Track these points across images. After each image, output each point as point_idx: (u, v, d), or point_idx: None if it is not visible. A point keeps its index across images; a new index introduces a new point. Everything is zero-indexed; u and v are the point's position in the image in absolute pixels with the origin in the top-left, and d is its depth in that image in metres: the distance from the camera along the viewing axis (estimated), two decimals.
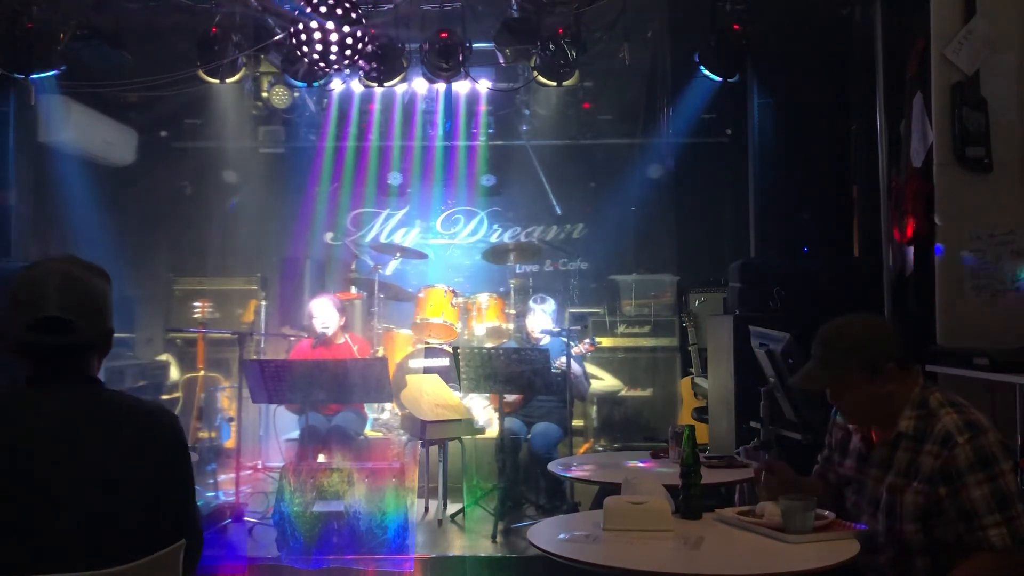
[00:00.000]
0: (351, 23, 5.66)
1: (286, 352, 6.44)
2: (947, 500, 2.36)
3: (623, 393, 7.27)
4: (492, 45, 6.37)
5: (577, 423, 6.66)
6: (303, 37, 5.67)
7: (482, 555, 4.76)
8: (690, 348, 6.87)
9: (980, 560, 2.32)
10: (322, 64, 5.78)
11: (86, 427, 1.88)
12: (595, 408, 7.16)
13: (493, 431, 5.84)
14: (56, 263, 1.98)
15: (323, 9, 5.62)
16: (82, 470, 1.83)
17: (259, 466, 6.35)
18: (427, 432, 5.41)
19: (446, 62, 6.22)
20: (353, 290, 7.40)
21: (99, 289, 1.99)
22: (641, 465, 3.69)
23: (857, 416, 2.61)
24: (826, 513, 2.48)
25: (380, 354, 6.50)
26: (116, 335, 2.07)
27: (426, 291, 6.86)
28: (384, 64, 6.32)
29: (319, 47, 5.65)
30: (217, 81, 6.38)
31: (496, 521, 5.05)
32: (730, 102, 7.15)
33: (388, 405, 6.33)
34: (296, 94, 7.58)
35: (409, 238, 8.40)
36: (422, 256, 7.58)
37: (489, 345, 6.46)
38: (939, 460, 2.37)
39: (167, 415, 2.02)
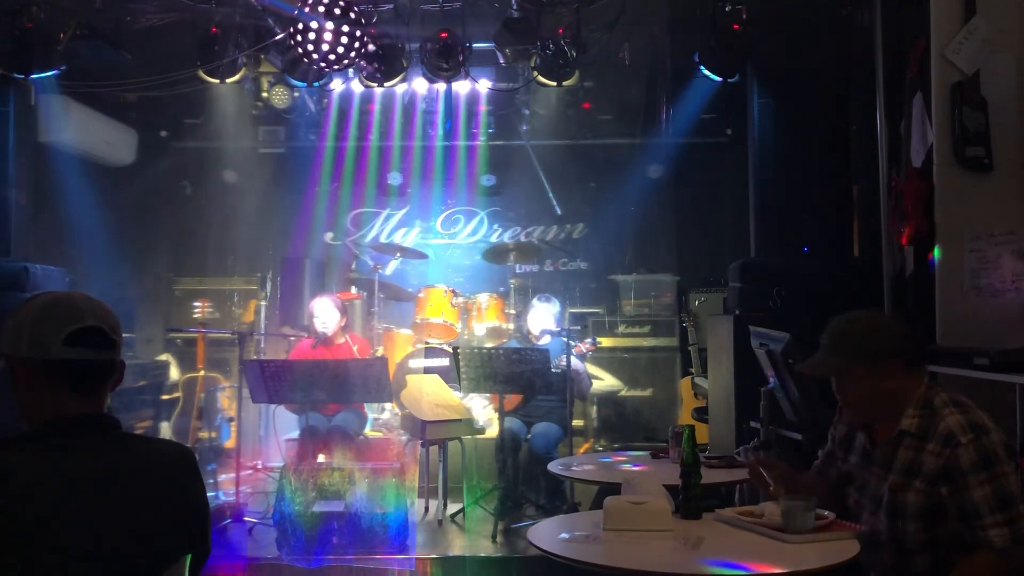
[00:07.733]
0: (351, 23, 5.66)
1: (286, 352, 6.43)
2: (949, 500, 2.36)
3: (623, 393, 7.27)
4: (492, 45, 6.36)
5: (577, 423, 6.66)
6: (303, 37, 5.67)
7: (482, 555, 4.76)
8: (690, 348, 6.88)
9: (981, 559, 2.32)
10: (322, 64, 5.78)
11: (107, 490, 1.75)
12: (595, 408, 7.16)
13: (493, 431, 5.84)
14: (63, 291, 1.91)
15: (323, 9, 5.62)
16: (102, 531, 1.72)
17: (259, 466, 6.36)
18: (427, 432, 5.41)
19: (446, 62, 6.22)
20: (353, 290, 7.40)
21: (115, 312, 1.90)
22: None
23: (859, 409, 2.61)
24: (826, 513, 2.48)
25: (380, 354, 6.50)
26: None
27: (426, 291, 6.86)
28: (384, 64, 6.31)
29: (319, 47, 5.66)
30: (217, 81, 6.37)
31: (496, 521, 5.05)
32: (730, 102, 7.14)
33: (388, 405, 6.33)
34: (296, 94, 7.57)
35: (409, 238, 8.39)
36: (422, 256, 7.57)
37: (489, 345, 6.46)
38: (942, 459, 2.38)
39: (183, 456, 1.92)
